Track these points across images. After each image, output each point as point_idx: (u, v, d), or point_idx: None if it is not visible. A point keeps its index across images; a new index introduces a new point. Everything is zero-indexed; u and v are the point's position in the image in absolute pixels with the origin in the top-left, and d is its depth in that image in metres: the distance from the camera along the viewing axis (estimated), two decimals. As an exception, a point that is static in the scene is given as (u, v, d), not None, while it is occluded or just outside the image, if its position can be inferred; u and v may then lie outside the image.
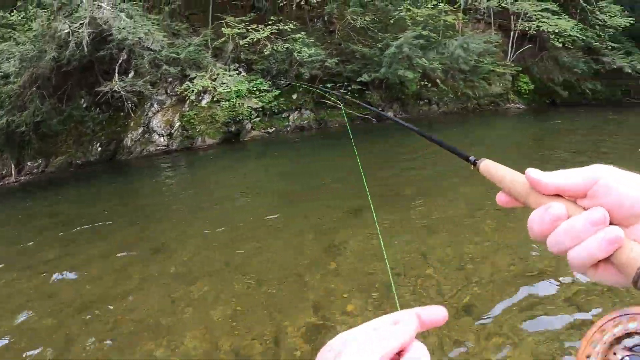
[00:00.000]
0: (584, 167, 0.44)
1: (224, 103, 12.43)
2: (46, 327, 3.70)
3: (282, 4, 13.84)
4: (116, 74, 13.00)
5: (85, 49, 12.51)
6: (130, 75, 13.25)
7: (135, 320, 3.73)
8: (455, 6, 15.89)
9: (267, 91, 12.92)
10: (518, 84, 15.79)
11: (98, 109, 13.90)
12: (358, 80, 13.29)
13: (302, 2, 13.41)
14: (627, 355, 0.43)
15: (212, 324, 3.52)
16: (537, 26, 15.63)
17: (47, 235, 6.70)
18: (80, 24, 12.47)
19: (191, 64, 12.76)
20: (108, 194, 9.26)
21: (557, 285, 3.49)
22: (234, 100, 12.39)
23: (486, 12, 17.35)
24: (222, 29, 13.11)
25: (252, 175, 8.87)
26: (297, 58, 12.73)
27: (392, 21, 14.26)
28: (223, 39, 13.14)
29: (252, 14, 13.71)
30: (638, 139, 11.50)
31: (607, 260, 0.42)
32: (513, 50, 16.59)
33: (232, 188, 7.83)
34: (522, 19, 16.10)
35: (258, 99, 12.75)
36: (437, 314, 0.45)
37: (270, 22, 13.22)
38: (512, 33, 16.59)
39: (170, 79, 13.09)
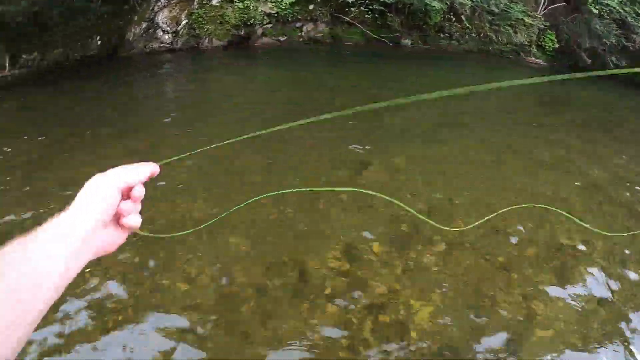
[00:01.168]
0: None
1: (237, 3, 11.50)
2: None
3: None
4: (123, -37, 12.27)
5: None
6: (138, -35, 12.52)
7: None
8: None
9: (284, -3, 12.27)
10: (543, 39, 15.18)
11: (100, 1, 13.20)
12: (381, 0, 12.27)
13: None
14: None
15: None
16: None
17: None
18: None
19: (207, -43, 12.04)
20: (100, 97, 8.57)
21: None
22: (248, 2, 11.50)
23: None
24: None
25: (262, 84, 8.40)
26: (322, -35, 11.81)
27: None
28: None
29: None
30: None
31: None
32: (545, 3, 15.91)
33: (238, 96, 7.29)
34: None
35: (274, 4, 11.85)
36: (156, 169, 0.76)
37: None
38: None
39: (182, -28, 12.42)
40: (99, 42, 12.79)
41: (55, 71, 12.64)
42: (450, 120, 6.77)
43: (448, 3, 12.67)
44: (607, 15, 15.53)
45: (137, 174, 0.71)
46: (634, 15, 16.22)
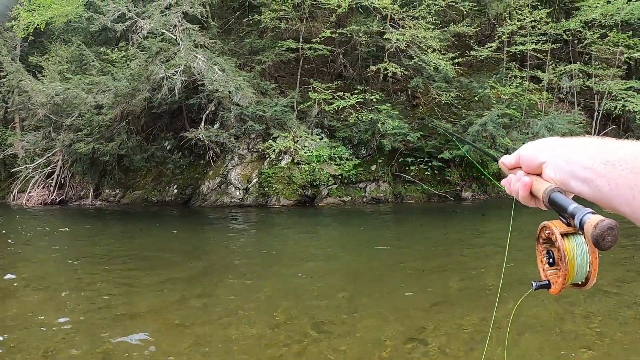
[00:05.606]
0: None
1: (303, 166, 12.50)
2: None
3: (368, 75, 13.75)
4: (203, 123, 13.73)
5: (177, 95, 13.35)
6: (216, 126, 13.94)
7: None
8: (539, 85, 15.88)
9: (347, 159, 12.88)
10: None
11: (180, 153, 14.66)
12: (439, 156, 12.86)
13: (389, 75, 13.31)
14: (545, 250, 0.71)
15: None
16: (623, 106, 14.12)
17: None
18: (175, 71, 13.40)
19: (276, 123, 12.95)
20: (175, 238, 9.42)
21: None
22: (314, 165, 12.44)
23: (570, 92, 17.22)
24: (309, 93, 13.23)
25: (327, 245, 8.45)
26: (381, 129, 12.47)
27: (476, 98, 13.63)
28: (309, 102, 13.25)
29: (338, 81, 13.78)
30: None
31: (534, 195, 0.70)
32: (597, 131, 16.18)
33: (302, 257, 7.29)
34: (606, 98, 14.76)
35: (338, 166, 12.69)
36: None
37: (356, 91, 13.18)
38: (595, 113, 16.27)
39: (253, 135, 13.39)
40: (176, 190, 14.18)
41: (134, 210, 14.03)
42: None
43: (503, 151, 13.29)
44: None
45: None
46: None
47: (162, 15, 14.60)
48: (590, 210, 0.60)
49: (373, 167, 13.30)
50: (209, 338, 3.86)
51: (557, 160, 0.66)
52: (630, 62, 16.47)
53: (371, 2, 13.18)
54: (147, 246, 8.53)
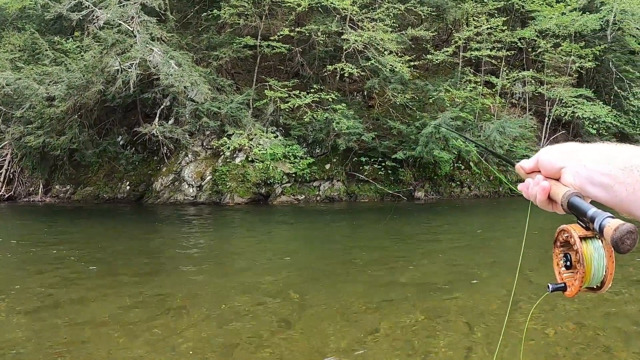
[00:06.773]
0: None
1: (257, 164, 12.40)
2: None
3: (325, 74, 13.78)
4: (157, 118, 13.45)
5: (132, 89, 13.07)
6: (171, 121, 13.68)
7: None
8: (493, 90, 16.41)
9: (301, 158, 12.84)
10: (549, 171, 15.85)
11: (133, 148, 14.32)
12: (393, 157, 12.96)
13: (346, 75, 13.29)
14: (562, 253, 0.71)
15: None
16: (573, 112, 14.77)
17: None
18: (131, 64, 13.10)
19: (231, 120, 12.79)
20: (126, 236, 9.18)
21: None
22: (268, 163, 12.36)
23: (522, 97, 17.84)
24: (265, 91, 13.13)
25: (280, 243, 8.50)
26: (335, 129, 12.51)
27: (431, 100, 13.78)
28: (264, 100, 13.16)
29: (295, 80, 13.72)
30: None
31: (552, 199, 0.70)
32: (547, 135, 16.86)
33: (255, 255, 7.28)
34: (557, 105, 15.28)
35: (292, 165, 12.63)
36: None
37: (312, 90, 13.15)
38: (546, 119, 16.93)
39: (208, 132, 13.24)
40: (128, 187, 13.88)
41: (85, 206, 13.66)
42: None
43: (455, 152, 13.65)
44: (605, 133, 16.38)
45: None
46: (630, 125, 17.10)
47: (120, 6, 14.27)
48: (609, 214, 0.61)
49: (327, 166, 13.39)
50: (160, 338, 3.86)
51: (575, 166, 0.67)
52: (582, 71, 17.03)
53: (331, 3, 13.23)
54: (97, 244, 8.35)
